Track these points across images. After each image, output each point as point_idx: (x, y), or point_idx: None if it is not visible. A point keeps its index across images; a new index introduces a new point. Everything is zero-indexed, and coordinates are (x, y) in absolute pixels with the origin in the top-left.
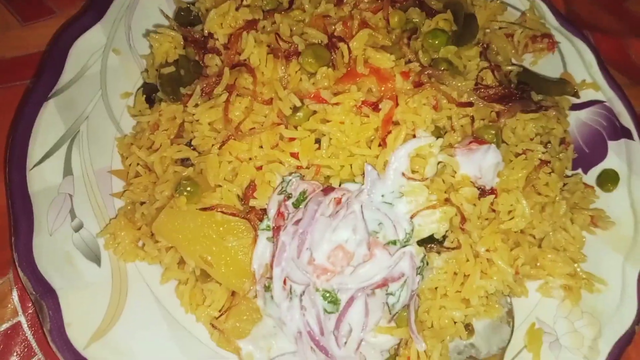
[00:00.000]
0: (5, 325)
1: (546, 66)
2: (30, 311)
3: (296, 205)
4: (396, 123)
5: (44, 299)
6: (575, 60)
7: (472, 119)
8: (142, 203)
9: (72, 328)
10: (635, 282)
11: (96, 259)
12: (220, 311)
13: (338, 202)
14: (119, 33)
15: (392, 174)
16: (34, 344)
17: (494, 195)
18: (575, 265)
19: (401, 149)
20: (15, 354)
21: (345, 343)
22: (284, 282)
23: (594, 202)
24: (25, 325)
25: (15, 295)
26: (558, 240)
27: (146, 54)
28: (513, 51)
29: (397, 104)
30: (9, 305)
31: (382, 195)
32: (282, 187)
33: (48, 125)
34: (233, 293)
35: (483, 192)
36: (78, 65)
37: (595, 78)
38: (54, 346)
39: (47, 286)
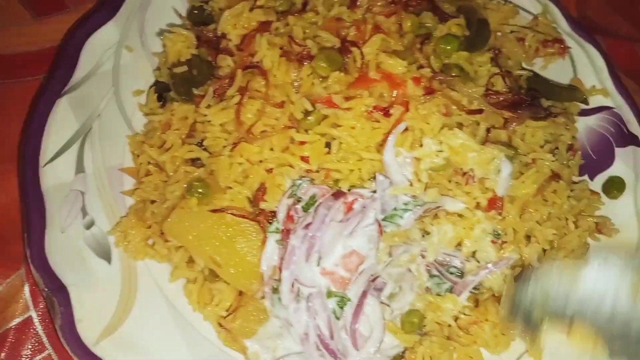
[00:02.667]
0: (16, 320)
1: (556, 71)
2: (41, 306)
3: (306, 209)
4: (407, 129)
5: (55, 295)
6: (585, 65)
7: (488, 130)
8: (152, 202)
9: (83, 324)
10: None
11: (107, 256)
12: (227, 311)
13: (349, 207)
14: (132, 30)
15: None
16: (44, 339)
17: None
18: None
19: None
20: (26, 348)
21: (364, 344)
22: (292, 284)
23: (599, 208)
24: (36, 321)
25: (27, 290)
26: (563, 245)
27: (159, 51)
28: (524, 55)
29: (407, 110)
30: (21, 300)
31: (394, 209)
32: (292, 191)
33: (61, 122)
34: (241, 293)
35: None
36: (91, 62)
37: (605, 84)
38: (64, 342)
39: (58, 282)
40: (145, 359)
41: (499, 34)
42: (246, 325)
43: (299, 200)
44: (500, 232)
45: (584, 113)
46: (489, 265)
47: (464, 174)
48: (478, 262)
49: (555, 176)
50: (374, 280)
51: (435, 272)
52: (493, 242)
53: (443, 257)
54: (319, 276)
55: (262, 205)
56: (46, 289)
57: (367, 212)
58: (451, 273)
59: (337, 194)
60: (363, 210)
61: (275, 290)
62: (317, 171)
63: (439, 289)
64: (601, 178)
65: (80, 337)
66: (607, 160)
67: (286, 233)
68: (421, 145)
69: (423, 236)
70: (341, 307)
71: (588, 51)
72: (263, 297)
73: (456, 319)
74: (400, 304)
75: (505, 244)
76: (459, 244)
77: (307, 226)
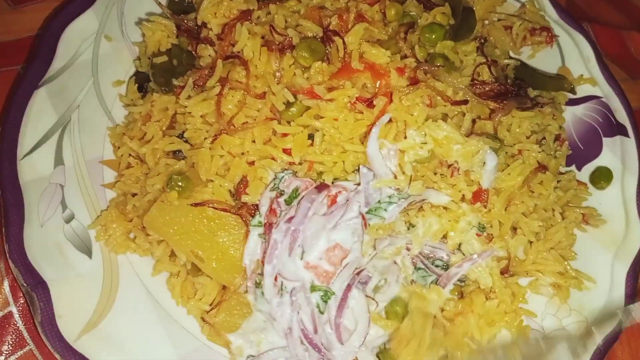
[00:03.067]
0: None
1: (544, 59)
2: (21, 301)
3: (288, 202)
4: (389, 120)
5: (34, 290)
6: (573, 54)
7: (474, 122)
8: (133, 195)
9: (63, 320)
10: (624, 280)
11: (87, 251)
12: (211, 305)
13: (333, 200)
14: (111, 19)
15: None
16: (25, 335)
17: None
18: (565, 263)
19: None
20: (6, 344)
21: (349, 338)
22: (275, 278)
23: (586, 199)
24: (16, 316)
25: (6, 285)
26: (549, 237)
27: (139, 41)
28: (511, 44)
29: (391, 101)
30: (0, 295)
31: (379, 202)
32: (275, 184)
33: (39, 113)
34: (224, 287)
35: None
36: (70, 52)
37: (593, 73)
38: (44, 338)
39: (38, 278)
40: (128, 354)
41: (485, 22)
42: (229, 319)
43: (281, 194)
44: (485, 224)
45: (572, 102)
46: (474, 256)
47: (449, 166)
48: (463, 254)
49: (541, 167)
50: (358, 273)
51: (420, 265)
52: (478, 235)
53: (429, 250)
54: (303, 270)
55: (244, 198)
56: (25, 285)
57: (351, 205)
58: (437, 266)
59: (321, 187)
60: (346, 203)
61: (258, 285)
62: (300, 163)
63: (424, 282)
64: (588, 168)
65: (61, 333)
66: (594, 150)
67: (269, 227)
68: (405, 137)
69: (408, 229)
70: (325, 301)
71: (576, 39)
72: (246, 292)
73: (442, 310)
74: (386, 296)
75: (490, 236)
76: (445, 237)
77: (289, 220)
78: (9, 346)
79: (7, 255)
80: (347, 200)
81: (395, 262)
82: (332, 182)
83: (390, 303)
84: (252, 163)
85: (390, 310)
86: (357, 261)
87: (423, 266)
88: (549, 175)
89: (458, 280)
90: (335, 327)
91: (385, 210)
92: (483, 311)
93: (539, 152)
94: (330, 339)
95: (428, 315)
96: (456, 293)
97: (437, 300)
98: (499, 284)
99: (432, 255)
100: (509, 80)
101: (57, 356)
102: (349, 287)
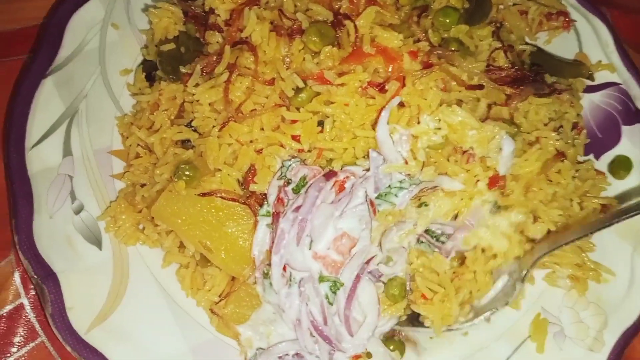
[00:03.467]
0: (8, 308)
1: (561, 45)
2: (32, 293)
3: (296, 191)
4: (402, 105)
5: (45, 282)
6: (591, 39)
7: (489, 108)
8: (142, 185)
9: (74, 312)
10: None
11: (97, 242)
12: (220, 296)
13: (340, 186)
14: (117, 6)
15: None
16: (37, 326)
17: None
18: (583, 254)
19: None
20: (18, 335)
21: (358, 330)
22: (284, 269)
23: (605, 189)
24: (27, 307)
25: (17, 277)
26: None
27: (146, 29)
28: (527, 29)
29: (404, 85)
30: (11, 287)
31: (389, 187)
32: (282, 172)
33: (46, 103)
34: (233, 278)
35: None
36: (76, 41)
37: (612, 59)
38: (55, 330)
39: (48, 269)
40: (138, 346)
41: (500, 6)
42: (238, 310)
43: (289, 182)
44: (500, 204)
45: (590, 89)
46: (467, 220)
47: (464, 152)
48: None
49: (559, 155)
50: (367, 262)
51: (423, 240)
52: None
53: (436, 228)
54: (311, 260)
55: (253, 187)
56: (35, 276)
57: (356, 191)
58: (442, 242)
59: (329, 174)
60: (352, 190)
61: (266, 275)
62: (309, 151)
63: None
64: (607, 157)
65: (72, 326)
66: (613, 138)
67: (277, 216)
68: (418, 122)
69: (419, 206)
70: (334, 292)
71: (594, 24)
72: (255, 283)
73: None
74: (392, 270)
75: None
76: (455, 217)
77: (296, 209)
78: (21, 338)
79: (17, 246)
80: (352, 186)
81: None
82: (340, 168)
83: (388, 285)
84: (260, 151)
85: (389, 293)
86: (366, 249)
87: (425, 241)
88: (567, 163)
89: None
90: (344, 319)
91: (395, 195)
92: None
93: (557, 140)
94: (339, 330)
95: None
96: (458, 260)
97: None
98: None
99: (439, 232)
100: (525, 66)
101: (68, 348)
102: (358, 278)
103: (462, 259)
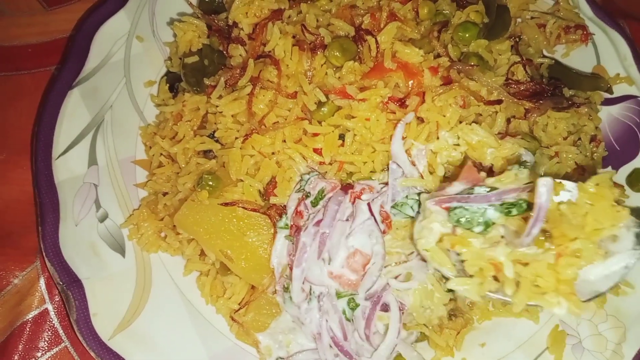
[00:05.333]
0: (33, 313)
1: (579, 58)
2: (57, 299)
3: (314, 204)
4: (421, 120)
5: (70, 288)
6: (609, 52)
7: (509, 121)
8: (164, 194)
9: (98, 318)
10: None
11: (121, 250)
12: (239, 304)
13: (357, 197)
14: (142, 19)
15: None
16: (60, 332)
17: None
18: None
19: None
20: (42, 340)
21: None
22: (303, 282)
23: (623, 202)
24: (52, 313)
25: (42, 283)
26: None
27: (170, 41)
28: (545, 42)
29: (423, 101)
30: (37, 293)
31: (406, 197)
32: (301, 186)
33: (73, 114)
34: (253, 287)
35: None
36: (102, 53)
37: (630, 72)
38: (80, 336)
39: (73, 276)
40: (160, 353)
41: (519, 20)
42: (258, 318)
43: (307, 195)
44: None
45: (608, 102)
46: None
47: (482, 168)
48: None
49: (579, 169)
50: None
51: None
52: None
53: None
54: (329, 276)
55: (273, 200)
56: (61, 283)
57: (359, 206)
58: None
59: (346, 187)
60: (357, 205)
61: (287, 289)
62: (330, 163)
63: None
64: (625, 170)
65: (96, 331)
66: (631, 151)
67: (296, 229)
68: (438, 138)
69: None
70: (352, 309)
71: (612, 37)
72: (275, 292)
73: None
74: (408, 286)
75: None
76: None
77: (317, 223)
78: (45, 343)
79: (43, 253)
80: (355, 202)
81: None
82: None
83: None
84: (281, 164)
85: None
86: (382, 262)
87: None
88: (586, 177)
89: None
90: (365, 338)
91: (411, 208)
92: None
93: (577, 154)
94: (360, 344)
95: None
96: None
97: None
98: None
99: None
100: (543, 80)
101: (92, 354)
102: (378, 299)
103: None
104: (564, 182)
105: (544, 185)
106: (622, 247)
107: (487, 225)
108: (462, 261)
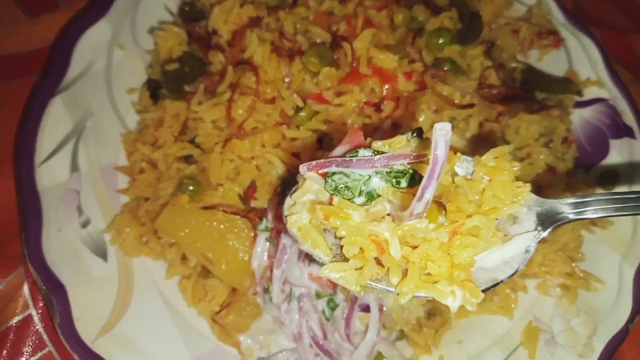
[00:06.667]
0: (16, 319)
1: (551, 63)
2: (40, 304)
3: None
4: (395, 124)
5: (53, 293)
6: (580, 57)
7: (481, 125)
8: (146, 199)
9: (81, 322)
10: (631, 281)
11: (103, 255)
12: (221, 306)
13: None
14: (124, 28)
15: None
16: (44, 337)
17: None
18: (574, 264)
19: None
20: (27, 346)
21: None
22: (283, 283)
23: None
24: (36, 318)
25: (26, 289)
26: (557, 239)
27: (151, 49)
28: (519, 48)
29: (397, 106)
30: (20, 298)
31: None
32: (280, 189)
33: (55, 121)
34: (234, 289)
35: None
36: (84, 61)
37: (600, 76)
38: (63, 340)
39: (56, 281)
40: (143, 355)
41: (493, 26)
42: (240, 320)
43: None
44: None
45: (580, 105)
46: None
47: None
48: None
49: (550, 170)
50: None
51: None
52: None
53: None
54: (306, 278)
55: (253, 203)
56: (44, 288)
57: None
58: None
59: None
60: None
61: (267, 290)
62: None
63: None
64: (596, 170)
65: (79, 335)
66: (601, 152)
67: (276, 232)
68: None
69: None
70: (332, 309)
71: (583, 42)
72: (255, 294)
73: None
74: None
75: None
76: None
77: None
78: (29, 348)
79: (27, 259)
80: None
81: None
82: None
83: None
84: (260, 168)
85: None
86: None
87: None
88: (558, 178)
89: None
90: (345, 338)
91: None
92: None
93: (548, 155)
94: (340, 344)
95: None
96: None
97: None
98: None
99: None
100: (516, 84)
101: (75, 357)
102: (355, 299)
103: None
104: (460, 154)
105: (440, 131)
106: (523, 229)
107: (371, 196)
108: (342, 246)
